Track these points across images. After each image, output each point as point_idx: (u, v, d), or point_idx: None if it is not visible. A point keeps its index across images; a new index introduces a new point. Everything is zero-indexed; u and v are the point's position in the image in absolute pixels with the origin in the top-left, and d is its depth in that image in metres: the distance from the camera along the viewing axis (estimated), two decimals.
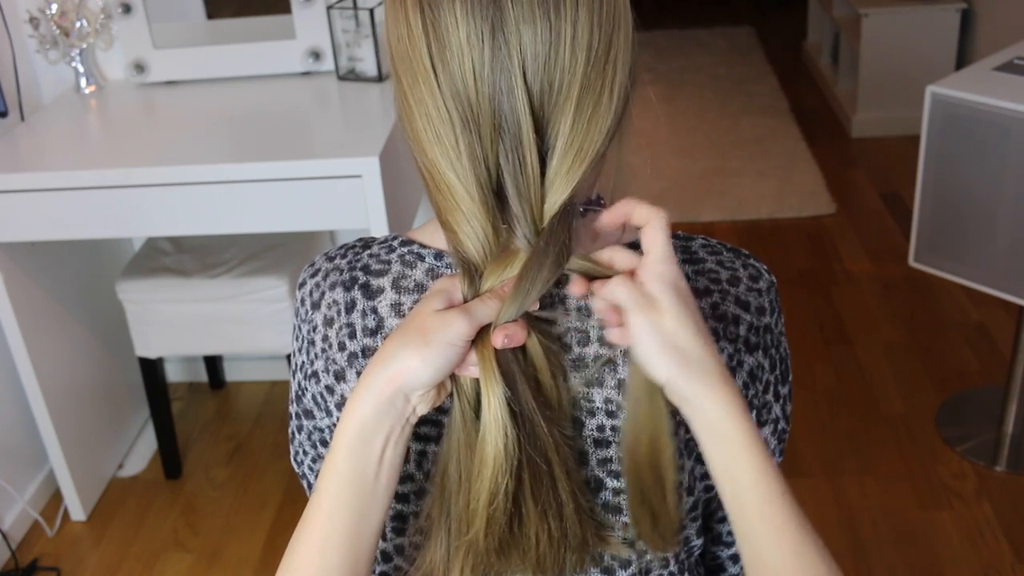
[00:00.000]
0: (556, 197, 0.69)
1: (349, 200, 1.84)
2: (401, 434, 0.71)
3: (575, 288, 0.70)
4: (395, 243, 0.80)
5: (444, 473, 0.73)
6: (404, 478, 0.79)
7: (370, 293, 0.78)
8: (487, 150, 0.68)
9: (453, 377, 0.71)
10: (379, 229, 1.84)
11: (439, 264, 0.78)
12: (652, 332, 0.66)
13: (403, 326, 0.70)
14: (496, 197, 0.69)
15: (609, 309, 0.69)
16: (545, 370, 0.71)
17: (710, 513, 0.87)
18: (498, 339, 0.69)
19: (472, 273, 0.70)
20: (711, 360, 0.67)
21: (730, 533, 0.90)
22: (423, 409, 0.71)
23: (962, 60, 3.76)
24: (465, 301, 0.70)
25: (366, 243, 0.82)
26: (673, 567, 0.83)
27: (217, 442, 2.59)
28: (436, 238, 0.78)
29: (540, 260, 0.68)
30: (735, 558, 0.91)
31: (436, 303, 0.70)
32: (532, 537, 0.73)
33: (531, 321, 0.71)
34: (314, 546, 0.71)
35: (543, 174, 0.68)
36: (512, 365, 0.70)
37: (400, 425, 0.70)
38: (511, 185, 0.68)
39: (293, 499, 2.36)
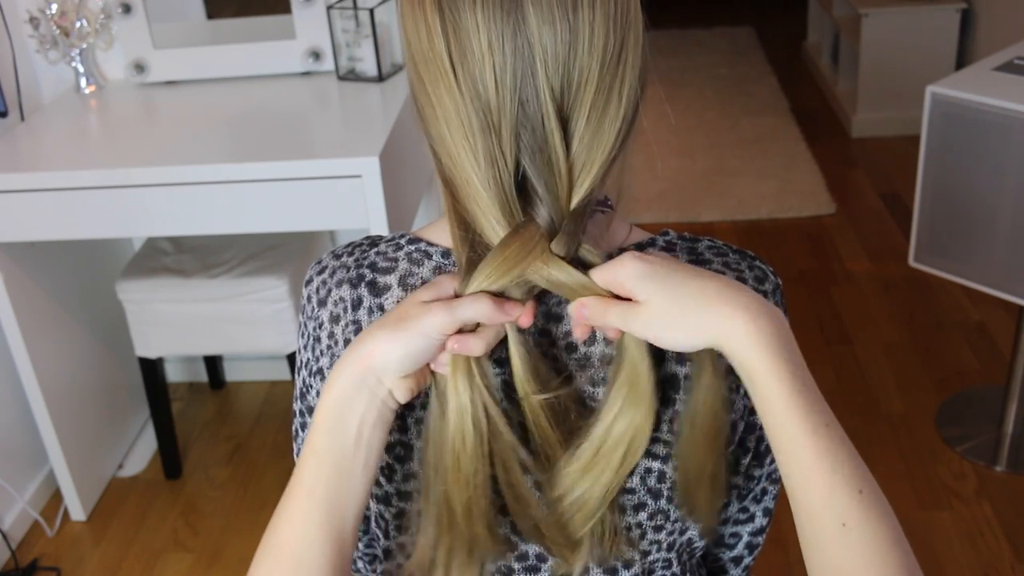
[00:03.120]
0: (578, 195, 0.69)
1: (349, 200, 1.84)
2: (379, 417, 0.71)
3: (577, 332, 0.73)
4: (402, 241, 0.81)
5: (423, 464, 0.74)
6: (407, 476, 0.79)
7: (377, 290, 0.78)
8: (506, 152, 0.68)
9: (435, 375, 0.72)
10: (379, 229, 1.84)
11: (447, 262, 0.78)
12: (649, 324, 0.68)
13: (387, 312, 0.71)
14: (517, 196, 0.69)
15: (613, 331, 0.71)
16: (522, 376, 0.72)
17: None
18: (450, 343, 0.69)
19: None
20: (710, 302, 0.67)
21: (732, 535, 0.90)
22: (401, 396, 0.72)
23: (962, 60, 3.77)
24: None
25: (373, 241, 0.83)
26: (676, 568, 0.83)
27: (217, 442, 2.59)
28: (444, 236, 0.79)
29: (566, 239, 0.69)
30: (737, 560, 0.91)
31: (424, 295, 0.71)
32: (522, 525, 0.74)
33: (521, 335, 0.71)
34: (296, 521, 0.72)
35: (570, 172, 0.69)
36: (482, 369, 0.70)
37: (375, 406, 0.71)
38: (538, 183, 0.69)
39: None
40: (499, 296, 0.70)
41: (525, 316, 0.70)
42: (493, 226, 0.69)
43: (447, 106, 0.68)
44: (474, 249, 0.71)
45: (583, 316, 0.70)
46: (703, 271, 0.70)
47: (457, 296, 0.71)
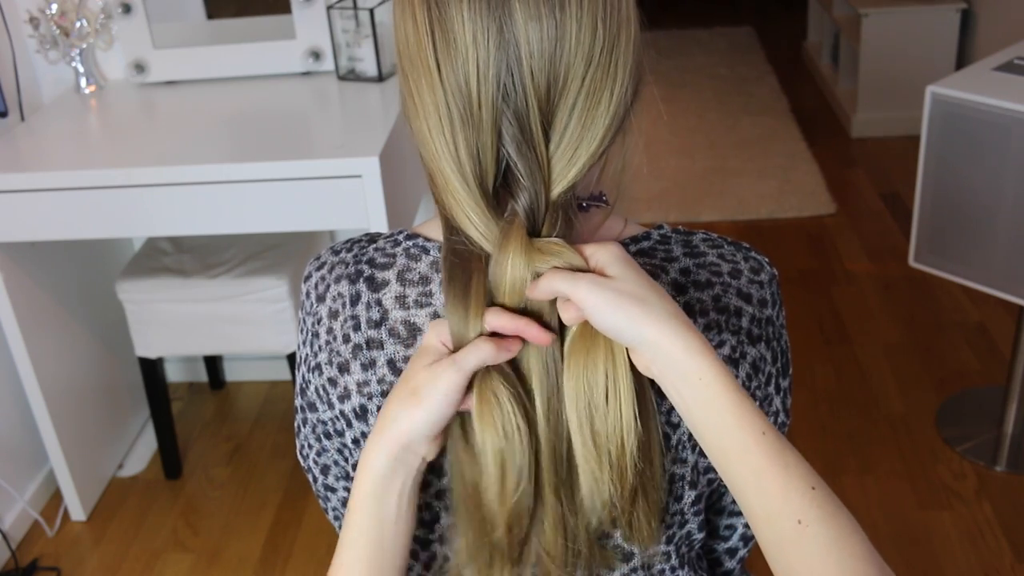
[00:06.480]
0: (559, 187, 0.70)
1: (349, 200, 1.84)
2: (414, 485, 0.73)
3: (567, 316, 0.69)
4: (400, 237, 0.82)
5: (454, 482, 0.75)
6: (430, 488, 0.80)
7: (375, 286, 0.79)
8: (486, 147, 0.68)
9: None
10: (379, 229, 1.84)
11: None
12: (598, 289, 0.66)
13: (398, 387, 0.71)
14: (495, 192, 0.70)
15: (567, 305, 0.69)
16: (541, 387, 0.71)
17: (709, 506, 0.87)
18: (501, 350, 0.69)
19: (474, 260, 0.71)
20: (668, 305, 0.67)
21: (727, 527, 0.90)
22: (431, 455, 0.73)
23: (962, 60, 3.77)
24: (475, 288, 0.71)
25: (372, 237, 0.83)
26: (674, 560, 0.84)
27: (217, 442, 2.59)
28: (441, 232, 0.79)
29: (547, 231, 0.69)
30: (731, 552, 0.92)
31: (425, 359, 0.71)
32: (548, 534, 0.74)
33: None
34: None
35: (550, 165, 0.69)
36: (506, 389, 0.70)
37: (411, 477, 0.73)
38: (521, 175, 0.69)
39: (293, 499, 2.36)
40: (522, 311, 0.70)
41: (542, 336, 0.69)
42: (470, 217, 0.70)
43: (427, 102, 0.69)
44: (456, 254, 0.71)
45: (553, 286, 0.68)
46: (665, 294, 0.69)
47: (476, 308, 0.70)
